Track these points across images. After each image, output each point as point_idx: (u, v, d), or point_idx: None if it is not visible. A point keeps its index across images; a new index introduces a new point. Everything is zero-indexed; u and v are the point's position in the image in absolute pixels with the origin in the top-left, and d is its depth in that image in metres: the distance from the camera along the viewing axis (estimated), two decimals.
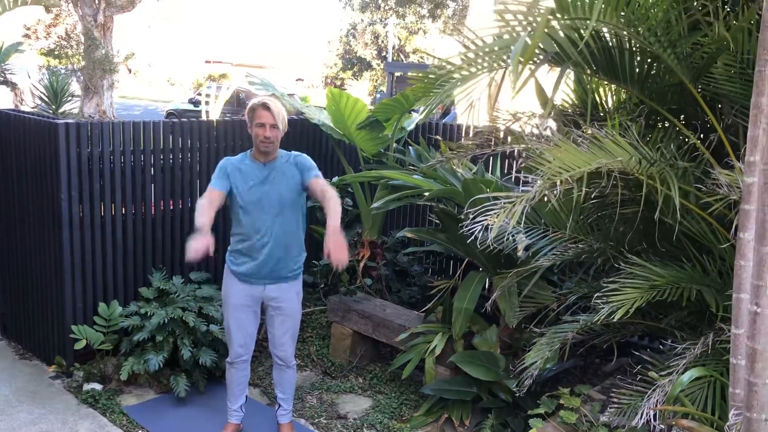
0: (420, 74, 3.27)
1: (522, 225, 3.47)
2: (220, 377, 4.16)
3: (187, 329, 4.07)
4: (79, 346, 4.04)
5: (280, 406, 3.69)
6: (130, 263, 4.35)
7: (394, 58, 32.97)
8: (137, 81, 39.61)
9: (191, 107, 19.33)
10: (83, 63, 13.47)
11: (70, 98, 10.06)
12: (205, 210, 3.21)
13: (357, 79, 37.28)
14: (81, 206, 4.07)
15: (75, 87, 13.14)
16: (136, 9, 14.44)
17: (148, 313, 4.10)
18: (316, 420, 3.95)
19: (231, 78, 32.91)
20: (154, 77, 41.94)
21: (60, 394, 4.02)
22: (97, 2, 14.03)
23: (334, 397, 4.23)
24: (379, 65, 34.98)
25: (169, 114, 19.36)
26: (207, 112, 9.42)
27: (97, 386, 4.06)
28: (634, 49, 3.04)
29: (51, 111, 9.21)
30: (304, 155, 3.45)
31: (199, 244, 3.03)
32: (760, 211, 1.89)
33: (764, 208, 1.87)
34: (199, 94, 19.55)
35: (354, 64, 37.17)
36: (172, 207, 4.51)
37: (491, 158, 4.76)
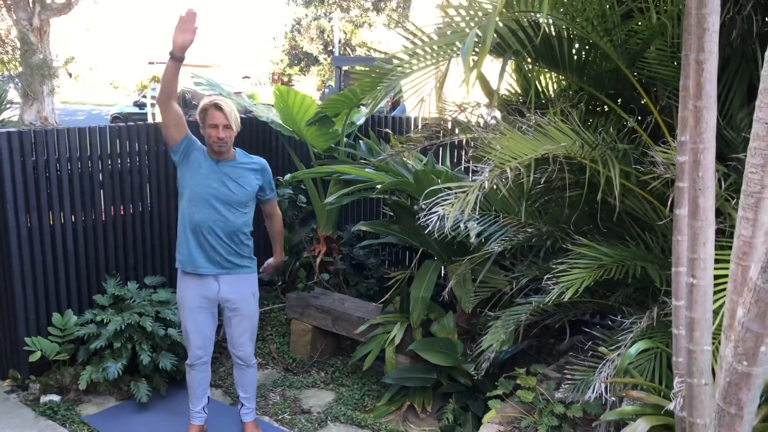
0: (364, 69, 3.31)
1: (475, 212, 3.55)
2: (182, 380, 4.14)
3: (145, 334, 4.04)
4: (34, 358, 3.97)
5: (243, 405, 3.69)
6: (82, 271, 4.29)
7: (341, 52, 32.89)
8: (80, 85, 38.60)
9: (137, 110, 18.94)
10: (20, 69, 13.09)
11: (8, 105, 9.79)
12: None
13: (305, 75, 37.05)
14: (28, 216, 3.99)
15: (13, 94, 12.74)
16: (73, 12, 14.08)
17: (104, 320, 4.04)
18: (280, 416, 3.98)
19: None
20: (97, 81, 40.92)
21: (16, 408, 3.95)
22: (31, 6, 13.64)
23: (297, 393, 4.26)
24: (326, 60, 34.84)
25: (114, 118, 18.92)
26: (153, 114, 9.28)
27: (55, 397, 3.99)
28: (572, 37, 3.14)
29: None
30: (268, 168, 3.54)
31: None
32: (691, 188, 1.99)
33: (695, 185, 1.98)
34: (144, 96, 19.16)
35: (301, 59, 36.94)
36: (123, 212, 4.46)
37: (441, 149, 4.84)
